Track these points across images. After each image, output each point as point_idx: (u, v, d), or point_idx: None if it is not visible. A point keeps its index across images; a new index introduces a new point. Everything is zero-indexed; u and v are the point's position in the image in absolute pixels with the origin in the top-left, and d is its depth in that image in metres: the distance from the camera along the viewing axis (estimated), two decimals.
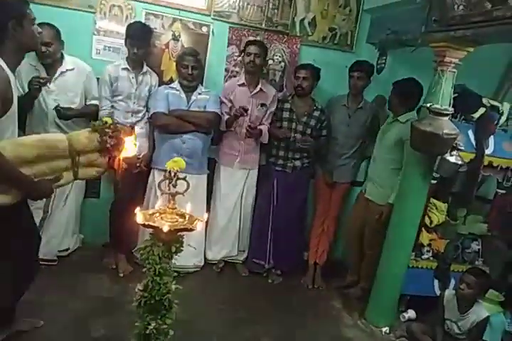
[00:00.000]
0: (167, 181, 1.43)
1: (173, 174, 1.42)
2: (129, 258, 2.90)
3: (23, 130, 2.68)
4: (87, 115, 2.71)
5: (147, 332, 1.42)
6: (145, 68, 2.83)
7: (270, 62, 3.23)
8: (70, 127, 2.66)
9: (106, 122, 1.70)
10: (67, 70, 2.64)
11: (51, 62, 2.58)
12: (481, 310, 2.42)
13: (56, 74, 2.62)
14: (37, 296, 2.38)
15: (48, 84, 2.56)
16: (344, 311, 2.85)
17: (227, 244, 3.13)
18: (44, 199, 2.61)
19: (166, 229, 1.32)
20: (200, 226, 1.42)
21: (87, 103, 2.74)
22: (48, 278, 2.59)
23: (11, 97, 1.57)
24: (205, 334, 2.34)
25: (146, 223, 1.35)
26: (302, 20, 3.24)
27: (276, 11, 3.18)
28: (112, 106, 2.77)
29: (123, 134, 1.72)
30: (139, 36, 2.67)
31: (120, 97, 2.76)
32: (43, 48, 2.49)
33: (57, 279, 2.61)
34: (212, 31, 3.08)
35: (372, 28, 3.29)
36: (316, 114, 3.01)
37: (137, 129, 2.76)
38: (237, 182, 3.06)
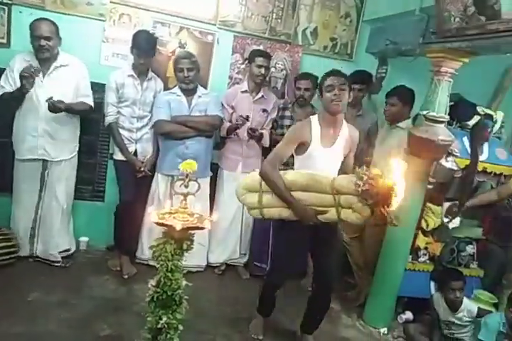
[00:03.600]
0: (179, 182, 1.51)
1: (185, 175, 1.50)
2: (132, 260, 2.97)
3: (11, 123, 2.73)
4: (78, 111, 2.76)
5: (158, 326, 1.49)
6: (150, 74, 2.91)
7: (272, 70, 3.33)
8: (60, 122, 2.70)
9: (368, 169, 1.84)
10: (61, 66, 2.67)
11: (48, 57, 2.60)
12: (470, 306, 2.54)
13: (50, 69, 2.65)
14: (43, 295, 2.44)
15: (40, 77, 2.59)
16: (343, 312, 2.91)
17: (229, 247, 3.19)
18: (35, 201, 2.76)
19: (179, 227, 1.39)
20: (209, 225, 1.49)
21: (77, 100, 2.75)
22: (54, 278, 2.67)
23: (308, 142, 2.10)
24: (207, 333, 2.40)
25: (160, 221, 1.42)
26: (304, 30, 3.36)
27: (279, 20, 3.29)
28: (118, 112, 2.84)
29: (383, 186, 1.73)
30: (145, 46, 2.73)
31: (126, 103, 2.83)
32: (42, 42, 2.54)
33: (63, 280, 2.67)
34: (218, 40, 3.18)
35: (372, 39, 3.40)
36: None
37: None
38: None
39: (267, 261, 3.14)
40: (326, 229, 2.13)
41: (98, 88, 2.88)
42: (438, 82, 2.47)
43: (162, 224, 1.43)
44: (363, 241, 3.06)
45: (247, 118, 2.90)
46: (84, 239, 3.14)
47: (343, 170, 2.18)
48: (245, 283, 3.11)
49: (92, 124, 3.01)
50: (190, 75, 2.81)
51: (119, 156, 2.89)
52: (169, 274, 1.46)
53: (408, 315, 2.86)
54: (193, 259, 3.02)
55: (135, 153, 2.89)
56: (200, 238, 3.02)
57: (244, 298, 2.87)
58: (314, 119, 2.16)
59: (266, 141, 3.09)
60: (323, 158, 2.12)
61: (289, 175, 2.08)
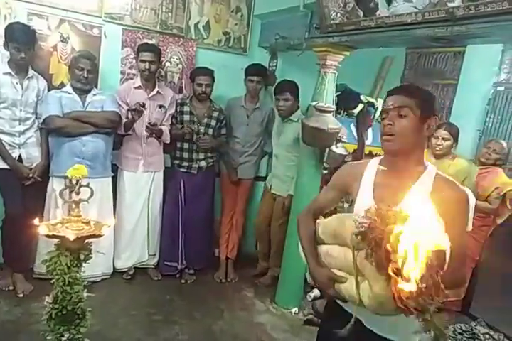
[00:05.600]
0: (68, 189, 1.41)
1: (75, 181, 1.40)
2: (27, 277, 2.71)
3: None
4: None
5: None
6: (30, 72, 2.65)
7: (167, 64, 3.25)
8: None
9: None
10: None
11: None
12: None
13: None
14: None
15: None
16: (256, 299, 3.01)
17: (137, 250, 3.08)
18: None
19: (72, 237, 1.30)
20: (107, 231, 1.42)
21: None
22: None
23: (354, 194, 1.38)
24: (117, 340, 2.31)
25: (51, 233, 1.32)
26: (196, 24, 3.31)
27: (170, 14, 3.20)
28: None
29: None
30: (24, 39, 2.47)
31: (4, 105, 2.55)
32: None
33: None
34: (105, 33, 3.00)
35: (263, 33, 3.49)
36: (215, 114, 3.12)
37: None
38: (143, 185, 3.03)
39: (179, 260, 3.11)
40: None
41: None
42: (324, 74, 2.64)
43: (53, 236, 1.33)
44: (270, 230, 3.20)
45: (143, 106, 2.79)
46: None
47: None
48: (157, 285, 3.03)
49: None
50: (89, 77, 2.70)
51: None
52: (67, 288, 1.36)
53: (316, 292, 3.04)
54: (97, 267, 2.86)
55: (19, 160, 2.62)
56: (106, 242, 2.89)
57: (157, 299, 2.82)
58: (375, 160, 1.40)
59: (166, 137, 3.03)
60: None
61: (324, 220, 1.38)
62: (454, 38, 1.95)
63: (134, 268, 3.11)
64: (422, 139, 1.27)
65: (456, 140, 2.76)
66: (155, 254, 3.17)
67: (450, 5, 1.82)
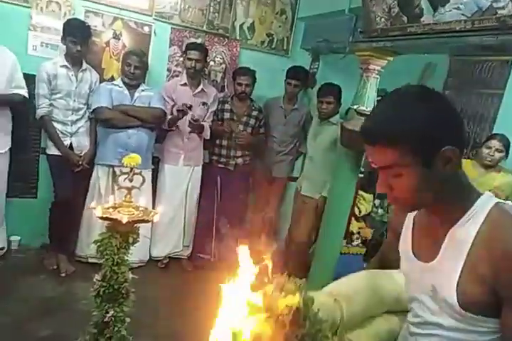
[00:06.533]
0: (123, 176, 1.51)
1: (129, 169, 1.50)
2: (70, 258, 2.88)
3: None
4: (12, 103, 2.64)
5: (105, 319, 1.49)
6: (85, 65, 2.82)
7: (211, 63, 3.36)
8: None
9: None
10: None
11: None
12: None
13: None
14: None
15: None
16: None
17: (172, 240, 3.20)
18: None
19: (125, 220, 1.40)
20: (156, 217, 1.52)
21: (10, 91, 2.60)
22: None
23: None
24: (149, 325, 2.39)
25: (105, 216, 1.42)
26: (242, 25, 3.41)
27: (217, 14, 3.31)
28: (51, 105, 2.72)
29: None
30: (80, 33, 2.65)
31: (59, 95, 2.72)
32: None
33: None
34: (154, 31, 3.13)
35: (306, 35, 3.55)
36: (255, 113, 3.20)
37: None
38: (182, 179, 3.15)
39: (211, 253, 3.20)
40: None
41: (27, 79, 2.70)
42: (367, 78, 2.66)
43: (107, 218, 1.43)
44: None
45: (190, 107, 2.91)
46: (15, 238, 2.98)
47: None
48: (189, 275, 3.13)
49: (20, 117, 2.84)
50: (135, 72, 2.84)
51: (52, 151, 2.77)
52: (115, 268, 1.46)
53: None
54: (135, 254, 2.98)
55: (70, 147, 2.78)
56: (144, 231, 3.02)
57: (188, 289, 2.90)
58: None
59: (207, 133, 3.13)
60: (415, 281, 0.98)
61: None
62: (502, 46, 1.94)
63: (169, 257, 3.23)
64: (447, 178, 0.83)
65: (507, 152, 2.66)
66: (189, 246, 3.28)
67: (500, 12, 1.81)
